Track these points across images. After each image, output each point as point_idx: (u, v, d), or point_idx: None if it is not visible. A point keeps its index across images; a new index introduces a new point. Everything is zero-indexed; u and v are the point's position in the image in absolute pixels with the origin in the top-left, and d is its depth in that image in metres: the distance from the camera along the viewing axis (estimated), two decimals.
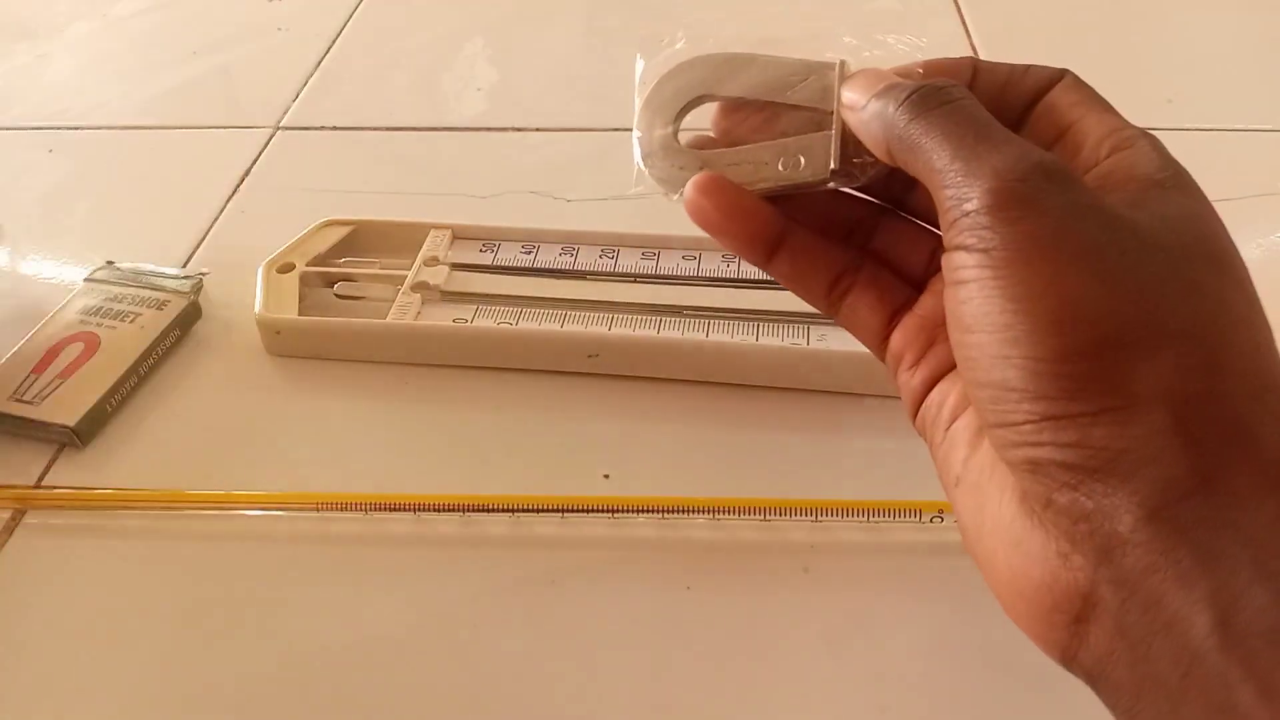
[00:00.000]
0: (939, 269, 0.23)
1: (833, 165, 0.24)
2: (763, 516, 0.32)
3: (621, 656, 0.29)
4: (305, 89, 0.57)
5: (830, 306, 0.25)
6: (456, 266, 0.40)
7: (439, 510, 0.32)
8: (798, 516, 0.32)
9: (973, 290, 0.19)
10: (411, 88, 0.57)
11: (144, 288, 0.41)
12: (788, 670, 0.29)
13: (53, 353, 0.38)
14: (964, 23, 0.60)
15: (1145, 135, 0.22)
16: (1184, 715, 0.17)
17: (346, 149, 0.52)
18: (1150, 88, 0.53)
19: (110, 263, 0.42)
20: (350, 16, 0.64)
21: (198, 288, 0.41)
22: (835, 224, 0.26)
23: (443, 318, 0.39)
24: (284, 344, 0.39)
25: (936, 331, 0.24)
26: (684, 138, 0.26)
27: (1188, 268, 0.19)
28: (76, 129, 0.54)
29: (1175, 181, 0.21)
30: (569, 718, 0.28)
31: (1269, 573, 0.16)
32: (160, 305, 0.40)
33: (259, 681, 0.29)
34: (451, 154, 0.51)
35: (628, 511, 0.32)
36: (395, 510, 0.33)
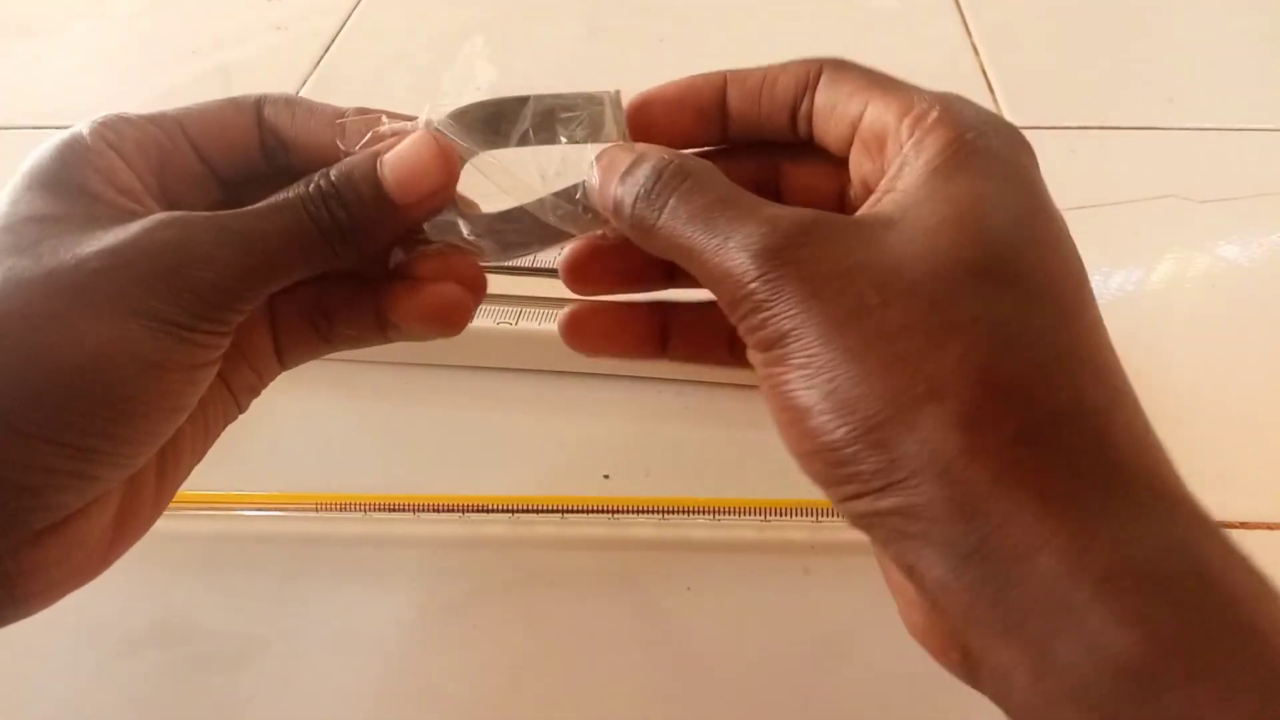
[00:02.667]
0: None
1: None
2: (763, 517, 0.32)
3: (621, 656, 0.29)
4: (304, 89, 0.57)
5: (739, 363, 0.24)
6: None
7: (438, 510, 0.32)
8: (798, 517, 0.32)
9: (765, 388, 0.19)
10: (411, 87, 0.57)
11: None
12: (787, 670, 0.29)
13: None
14: (964, 23, 0.60)
15: (939, 101, 0.20)
16: None
17: None
18: (1150, 87, 0.53)
19: None
20: (349, 16, 0.64)
21: None
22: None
23: None
24: None
25: None
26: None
27: (944, 300, 0.18)
28: None
29: (967, 161, 0.19)
30: (568, 717, 0.28)
31: (1062, 630, 0.16)
32: None
33: (258, 680, 0.29)
34: None
35: (627, 512, 0.32)
36: (395, 510, 0.33)
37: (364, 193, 0.23)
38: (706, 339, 0.25)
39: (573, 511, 0.32)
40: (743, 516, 0.32)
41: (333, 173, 0.23)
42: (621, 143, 0.23)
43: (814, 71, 0.22)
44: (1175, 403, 0.36)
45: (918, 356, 0.17)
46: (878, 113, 0.21)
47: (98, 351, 0.19)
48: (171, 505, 0.33)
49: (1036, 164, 0.20)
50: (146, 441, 0.21)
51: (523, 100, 0.25)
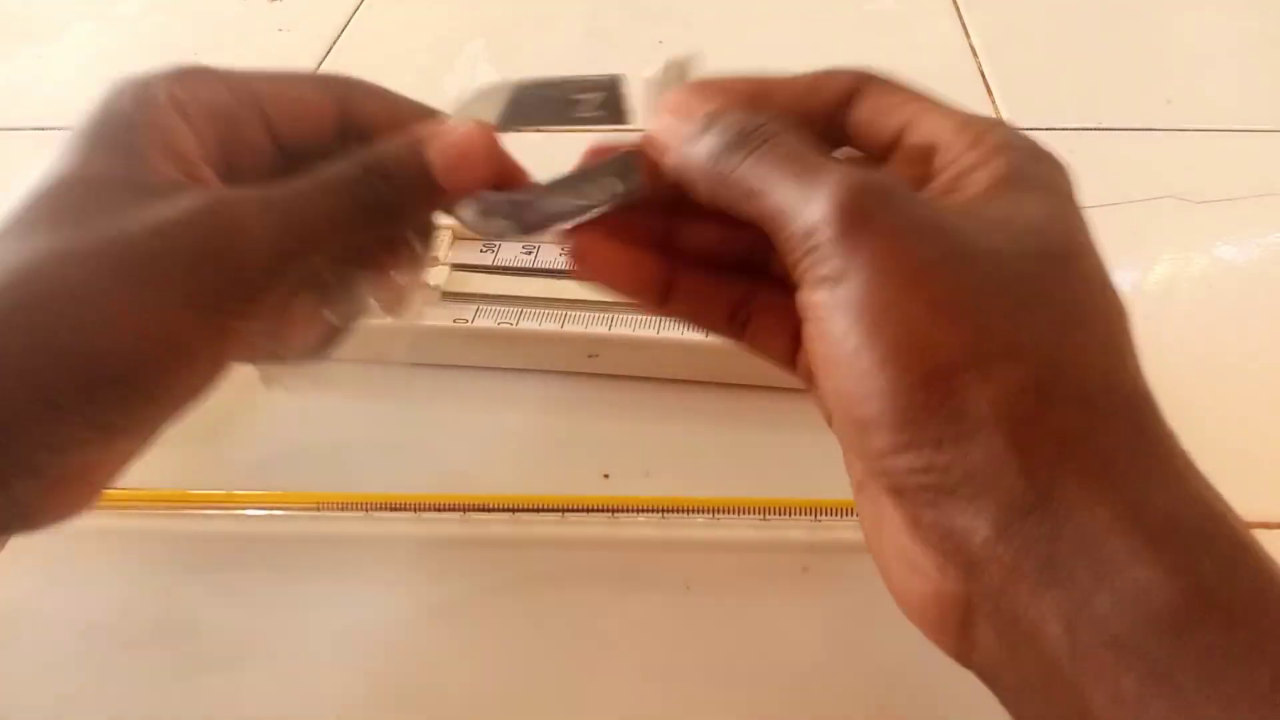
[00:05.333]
0: None
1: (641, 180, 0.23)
2: (762, 516, 0.32)
3: (621, 656, 0.29)
4: None
5: (734, 334, 0.25)
6: (457, 267, 0.40)
7: (439, 510, 0.33)
8: (797, 516, 0.32)
9: (820, 328, 0.19)
10: (412, 89, 0.57)
11: None
12: (787, 669, 0.29)
13: None
14: (963, 23, 0.60)
15: (997, 127, 0.22)
16: (1052, 719, 0.18)
17: None
18: (1150, 88, 0.53)
19: None
20: (350, 18, 0.64)
21: None
22: (727, 252, 0.25)
23: (443, 318, 0.39)
24: None
25: None
26: None
27: (1022, 278, 0.19)
28: None
29: (1028, 178, 0.21)
30: (568, 717, 0.28)
31: (1106, 581, 0.17)
32: None
33: (259, 680, 0.29)
34: None
35: (627, 511, 0.32)
36: (395, 510, 0.33)
37: (413, 174, 0.24)
38: (709, 303, 0.25)
39: (573, 511, 0.32)
40: (742, 516, 0.32)
41: (382, 153, 0.24)
42: (689, 89, 0.23)
43: (856, 81, 0.23)
44: (1174, 403, 0.36)
45: (1001, 317, 0.18)
46: (931, 126, 0.22)
47: (140, 335, 0.20)
48: (172, 504, 0.34)
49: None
50: (170, 419, 0.22)
51: (536, 83, 0.26)
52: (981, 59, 0.57)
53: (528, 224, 0.24)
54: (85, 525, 0.33)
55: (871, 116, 0.23)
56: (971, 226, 0.19)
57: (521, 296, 0.39)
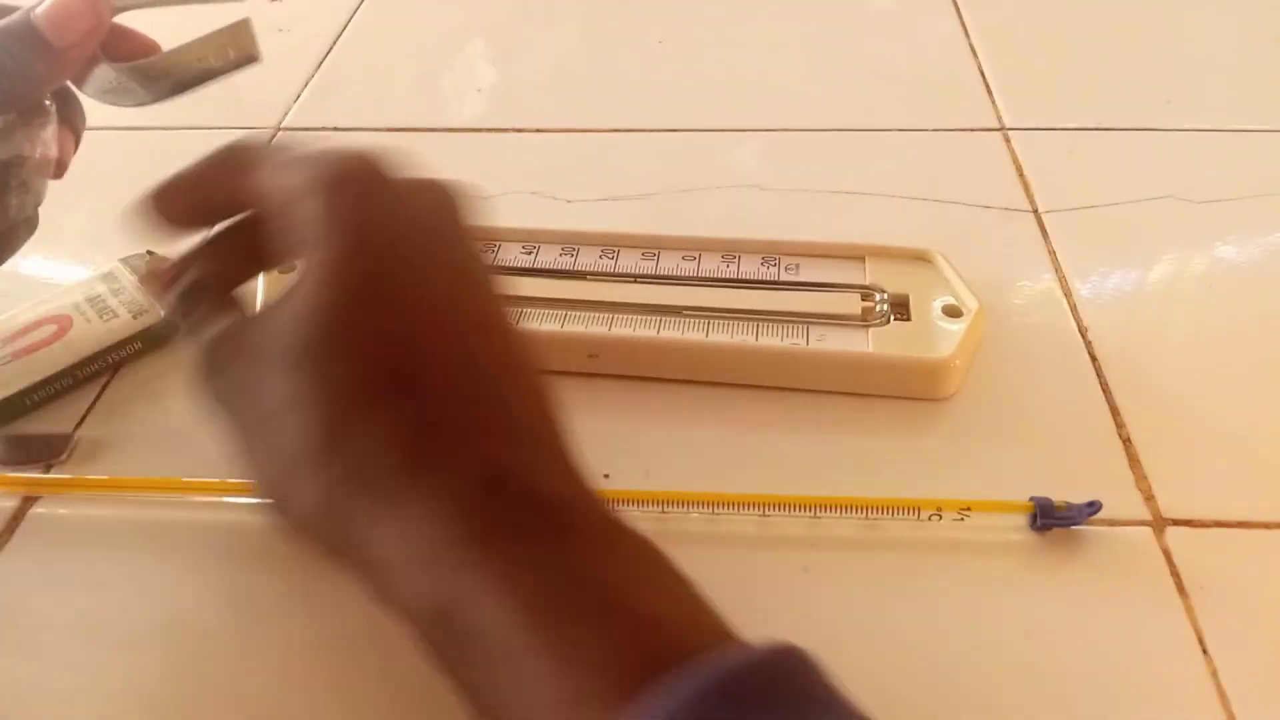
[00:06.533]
0: None
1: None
2: (761, 512, 0.32)
3: None
4: (306, 90, 0.57)
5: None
6: None
7: None
8: (796, 512, 0.32)
9: None
10: (412, 89, 0.57)
11: (141, 291, 0.41)
12: None
13: (29, 327, 0.38)
14: (963, 23, 0.60)
15: (282, 216, 0.24)
16: None
17: None
18: (1150, 88, 0.53)
19: (150, 252, 0.42)
20: (351, 17, 0.64)
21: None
22: None
23: None
24: None
25: None
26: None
27: (257, 399, 0.23)
28: None
29: (301, 271, 0.23)
30: None
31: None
32: (137, 314, 0.39)
33: (261, 674, 0.29)
34: (452, 154, 0.52)
35: (627, 504, 0.32)
36: None
37: (24, 40, 0.26)
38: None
39: None
40: (741, 511, 0.32)
41: None
42: None
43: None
44: (1173, 403, 0.37)
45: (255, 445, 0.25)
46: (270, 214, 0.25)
47: None
48: (177, 491, 0.34)
49: None
50: None
51: None
52: (981, 58, 0.57)
53: (157, 91, 0.28)
54: (93, 515, 0.34)
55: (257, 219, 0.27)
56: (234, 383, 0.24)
57: (521, 296, 0.39)
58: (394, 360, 0.22)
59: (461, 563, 0.20)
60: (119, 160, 0.53)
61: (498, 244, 0.42)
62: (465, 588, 0.20)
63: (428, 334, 0.23)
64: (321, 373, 0.22)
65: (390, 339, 0.22)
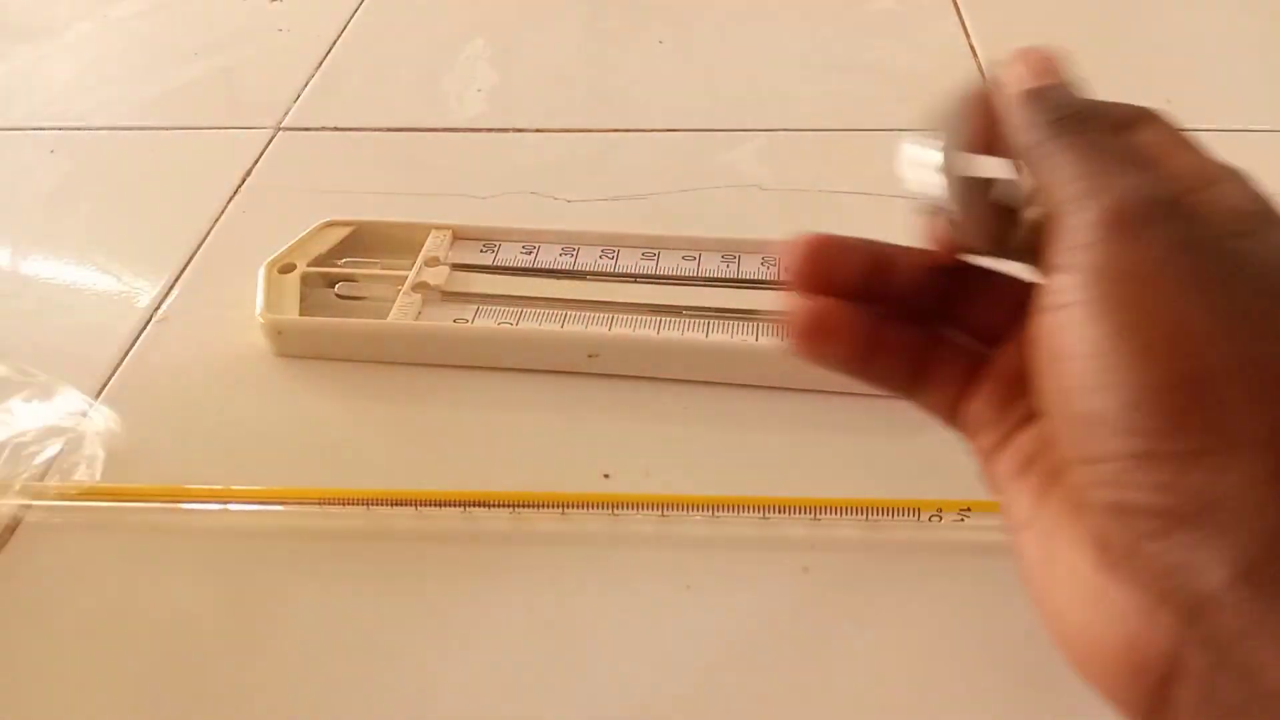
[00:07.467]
0: (1018, 326, 0.22)
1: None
2: (762, 514, 0.32)
3: (621, 654, 0.29)
4: (306, 90, 0.57)
5: (906, 388, 0.24)
6: (457, 267, 0.41)
7: (440, 506, 0.33)
8: (797, 514, 0.32)
9: (1073, 314, 0.18)
10: (412, 88, 0.57)
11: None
12: (787, 668, 0.29)
13: None
14: (963, 23, 0.60)
15: (1232, 171, 0.21)
16: None
17: (347, 150, 0.52)
18: (1150, 88, 0.53)
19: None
20: (351, 17, 0.64)
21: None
22: (920, 299, 0.24)
23: (443, 318, 0.39)
24: (286, 344, 0.39)
25: (1011, 390, 0.22)
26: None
27: None
28: (78, 130, 0.55)
29: (1267, 216, 0.19)
30: (567, 715, 0.28)
31: None
32: None
33: (261, 676, 0.29)
34: (452, 154, 0.52)
35: (628, 508, 0.32)
36: (397, 505, 0.33)
37: None
38: (902, 358, 0.24)
39: (573, 507, 0.33)
40: (742, 513, 0.32)
41: None
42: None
43: (1135, 115, 0.23)
44: None
45: None
46: (1175, 166, 0.21)
47: None
48: (176, 499, 0.34)
49: None
50: None
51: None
52: (981, 59, 0.57)
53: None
54: (89, 522, 0.34)
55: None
56: (1243, 249, 0.18)
57: (521, 296, 0.39)
58: None
59: None
60: (118, 161, 0.53)
61: (498, 244, 0.42)
62: None
63: None
64: None
65: None
